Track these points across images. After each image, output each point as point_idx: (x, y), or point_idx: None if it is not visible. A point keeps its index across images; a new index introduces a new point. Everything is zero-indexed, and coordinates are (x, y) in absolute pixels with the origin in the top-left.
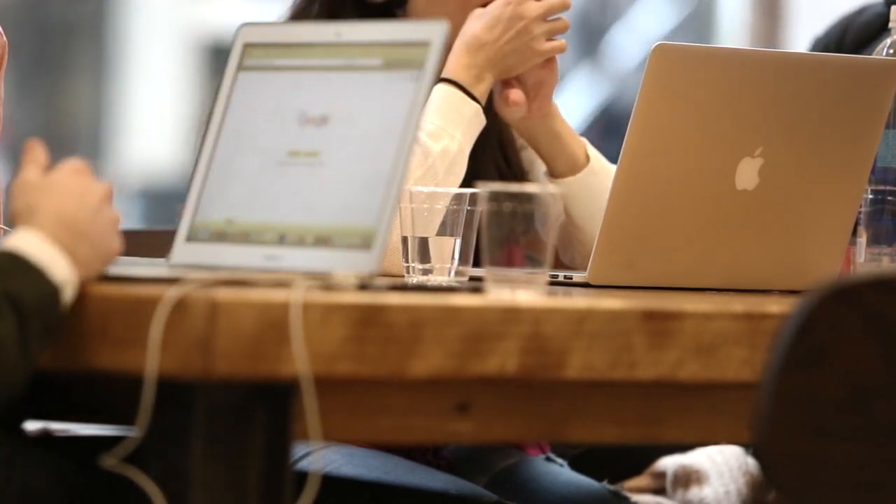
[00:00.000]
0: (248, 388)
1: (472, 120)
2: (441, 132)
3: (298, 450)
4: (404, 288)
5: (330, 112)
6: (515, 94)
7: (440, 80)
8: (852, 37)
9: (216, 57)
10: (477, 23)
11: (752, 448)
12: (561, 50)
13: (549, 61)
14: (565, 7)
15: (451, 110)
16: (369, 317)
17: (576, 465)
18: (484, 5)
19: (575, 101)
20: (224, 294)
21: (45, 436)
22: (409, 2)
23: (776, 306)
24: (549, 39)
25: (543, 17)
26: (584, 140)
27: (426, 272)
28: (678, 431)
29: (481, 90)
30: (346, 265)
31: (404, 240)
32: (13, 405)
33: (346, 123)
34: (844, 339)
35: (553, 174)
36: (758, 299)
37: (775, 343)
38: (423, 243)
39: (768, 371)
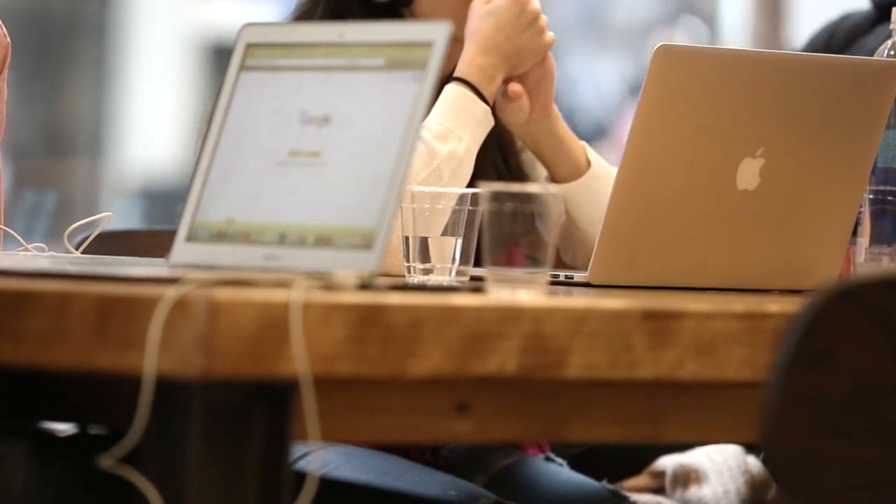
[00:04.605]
0: (248, 388)
1: (481, 121)
2: (449, 134)
3: (297, 450)
4: (404, 288)
5: (332, 112)
6: (514, 85)
7: (453, 79)
8: (839, 41)
9: (218, 57)
10: (486, 22)
11: (758, 448)
12: (554, 42)
13: (545, 58)
14: None
15: (461, 111)
16: (369, 317)
17: (575, 465)
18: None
19: None
20: (224, 294)
21: (44, 435)
22: (414, 0)
23: (776, 306)
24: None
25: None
26: (585, 143)
27: (427, 272)
28: (678, 431)
29: (492, 90)
30: (346, 265)
31: (405, 240)
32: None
33: (347, 124)
34: (850, 339)
35: (556, 179)
36: (758, 299)
37: (781, 343)
38: (424, 243)
39: (775, 371)
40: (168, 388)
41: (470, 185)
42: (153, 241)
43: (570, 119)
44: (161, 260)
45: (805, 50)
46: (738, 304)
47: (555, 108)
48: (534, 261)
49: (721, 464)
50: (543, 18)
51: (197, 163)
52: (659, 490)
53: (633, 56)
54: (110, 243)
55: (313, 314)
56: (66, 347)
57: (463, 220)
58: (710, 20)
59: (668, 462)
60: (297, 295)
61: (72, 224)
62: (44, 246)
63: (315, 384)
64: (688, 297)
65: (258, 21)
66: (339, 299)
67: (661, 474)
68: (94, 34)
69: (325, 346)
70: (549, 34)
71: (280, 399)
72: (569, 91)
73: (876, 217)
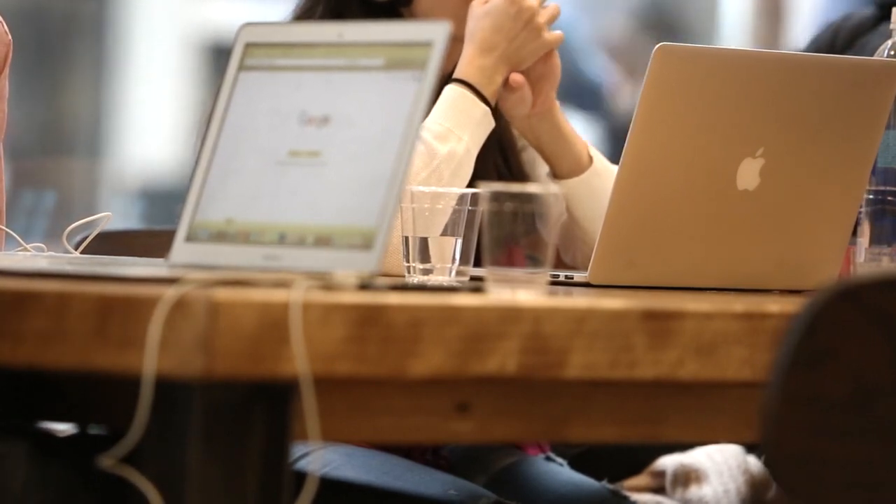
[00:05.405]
0: (248, 388)
1: (480, 121)
2: (448, 134)
3: (298, 450)
4: (404, 288)
5: (331, 112)
6: (515, 76)
7: (452, 80)
8: (842, 40)
9: (217, 57)
10: (484, 23)
11: (758, 448)
12: (562, 39)
13: (549, 54)
14: None
15: (461, 112)
16: (369, 317)
17: (575, 465)
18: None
19: None
20: (224, 294)
21: (44, 436)
22: (414, 0)
23: (776, 306)
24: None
25: (540, 6)
26: (587, 141)
27: (427, 272)
28: (678, 431)
29: (492, 91)
30: (346, 265)
31: (405, 240)
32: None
33: (347, 123)
34: (850, 339)
35: (557, 175)
36: (758, 299)
37: (781, 343)
38: (424, 243)
39: (775, 371)
40: (168, 388)
41: (470, 185)
42: (153, 241)
43: None
44: (161, 260)
45: (809, 48)
46: (738, 304)
47: (557, 104)
48: (534, 261)
49: (721, 463)
50: (546, 13)
51: (196, 163)
52: (659, 490)
53: None
54: (109, 243)
55: (313, 314)
56: (65, 347)
57: (463, 220)
58: (710, 20)
59: (668, 462)
60: (297, 295)
61: (71, 224)
62: (43, 246)
63: (315, 384)
64: (688, 297)
65: (257, 21)
66: (339, 299)
67: (661, 474)
68: (93, 33)
69: (325, 346)
70: (555, 32)
71: (280, 399)
72: None
73: (876, 217)
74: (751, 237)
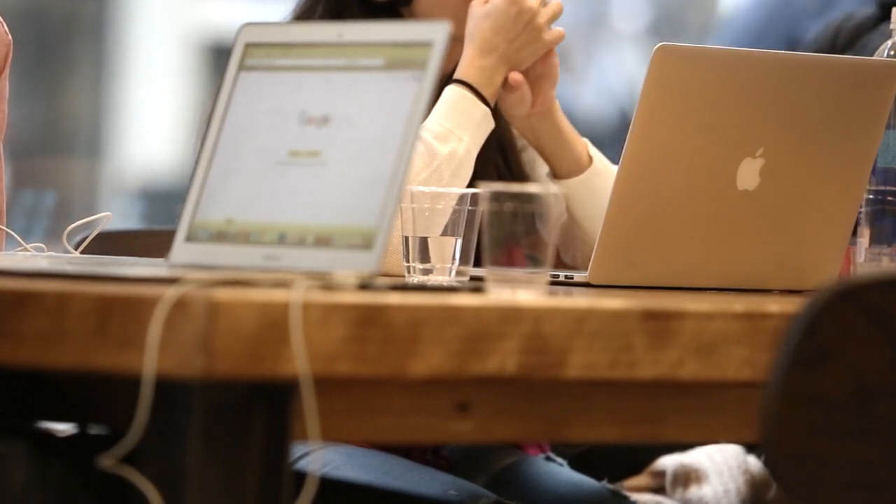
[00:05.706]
0: (248, 388)
1: (480, 122)
2: (449, 134)
3: (298, 450)
4: (404, 288)
5: (331, 112)
6: (514, 74)
7: (452, 81)
8: (843, 40)
9: (217, 57)
10: (484, 24)
11: (758, 448)
12: (562, 38)
13: (549, 53)
14: None
15: (461, 112)
16: (369, 317)
17: (575, 465)
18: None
19: None
20: (224, 294)
21: (44, 436)
22: (414, 0)
23: (776, 306)
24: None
25: (541, 5)
26: (586, 140)
27: (427, 272)
28: (678, 431)
29: (492, 92)
30: (346, 265)
31: (405, 240)
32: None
33: (347, 123)
34: (850, 339)
35: (557, 175)
36: (758, 299)
37: (781, 343)
38: (424, 243)
39: (775, 371)
40: (168, 388)
41: (470, 185)
42: (153, 241)
43: None
44: (161, 260)
45: (810, 48)
46: (738, 304)
47: (557, 103)
48: (534, 261)
49: (721, 463)
50: (546, 13)
51: (196, 163)
52: (659, 490)
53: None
54: (109, 243)
55: (313, 314)
56: (65, 347)
57: (463, 220)
58: (710, 20)
59: (668, 462)
60: (297, 295)
61: (71, 224)
62: (43, 246)
63: (315, 384)
64: (688, 297)
65: (257, 21)
66: (339, 299)
67: (661, 474)
68: (93, 33)
69: (325, 346)
70: (556, 30)
71: (280, 399)
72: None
73: (876, 217)
74: (751, 237)
